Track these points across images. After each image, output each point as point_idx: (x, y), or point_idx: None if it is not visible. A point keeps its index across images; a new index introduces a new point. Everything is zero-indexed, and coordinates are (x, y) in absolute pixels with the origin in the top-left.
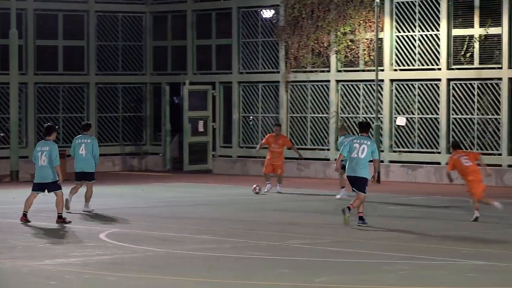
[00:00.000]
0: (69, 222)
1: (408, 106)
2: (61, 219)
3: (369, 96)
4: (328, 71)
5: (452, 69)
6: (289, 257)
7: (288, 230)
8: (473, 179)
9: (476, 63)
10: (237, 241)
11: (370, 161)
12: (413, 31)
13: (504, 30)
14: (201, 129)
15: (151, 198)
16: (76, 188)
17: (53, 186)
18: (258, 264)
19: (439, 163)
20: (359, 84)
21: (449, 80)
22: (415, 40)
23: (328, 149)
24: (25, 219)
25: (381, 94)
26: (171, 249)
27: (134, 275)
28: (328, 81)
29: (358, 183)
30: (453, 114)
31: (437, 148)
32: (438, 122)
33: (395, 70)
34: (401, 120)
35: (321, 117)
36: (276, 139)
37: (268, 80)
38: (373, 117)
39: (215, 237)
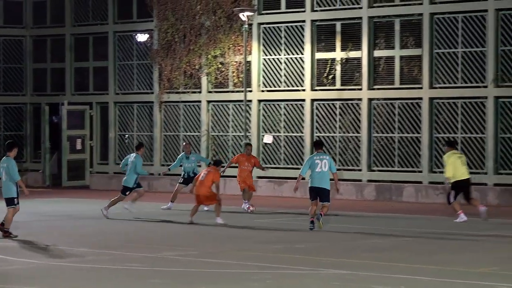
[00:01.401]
0: (15, 236)
1: (274, 125)
2: (6, 234)
3: (238, 116)
4: (200, 92)
5: (316, 90)
6: (163, 268)
7: (162, 242)
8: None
9: (338, 85)
10: (114, 253)
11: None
12: (279, 54)
13: (363, 53)
14: (79, 147)
15: (31, 213)
16: (133, 196)
17: (8, 202)
18: (134, 275)
19: (303, 179)
20: (229, 104)
21: (313, 100)
22: (281, 63)
23: (199, 166)
24: (6, 234)
25: (250, 114)
26: (51, 261)
27: (16, 287)
28: (200, 101)
29: (324, 194)
30: (316, 132)
31: (301, 164)
32: (303, 140)
33: (263, 91)
34: (268, 138)
35: (193, 135)
36: (248, 158)
37: (142, 101)
38: (242, 136)
39: (93, 249)
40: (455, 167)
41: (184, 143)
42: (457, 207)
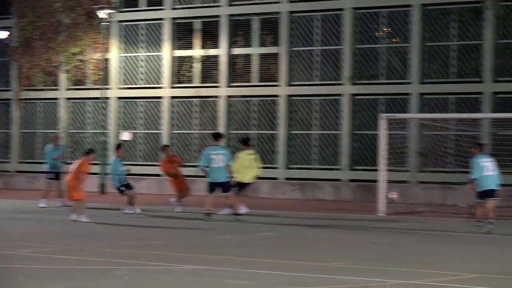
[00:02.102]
0: None
1: (132, 122)
2: None
3: (96, 113)
4: (58, 90)
5: (174, 87)
6: (17, 266)
7: (16, 239)
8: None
9: (196, 82)
10: None
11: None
12: (138, 52)
13: (222, 51)
14: None
15: None
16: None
17: None
18: None
19: (159, 175)
20: (87, 102)
21: (171, 97)
22: (140, 61)
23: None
24: None
25: (108, 111)
26: None
27: None
28: (58, 98)
29: (226, 187)
30: (174, 130)
31: (157, 161)
32: (160, 137)
33: (121, 88)
34: (126, 135)
35: (51, 132)
36: (170, 160)
37: (0, 98)
38: (100, 133)
39: None
40: (244, 166)
41: (53, 135)
42: (235, 200)
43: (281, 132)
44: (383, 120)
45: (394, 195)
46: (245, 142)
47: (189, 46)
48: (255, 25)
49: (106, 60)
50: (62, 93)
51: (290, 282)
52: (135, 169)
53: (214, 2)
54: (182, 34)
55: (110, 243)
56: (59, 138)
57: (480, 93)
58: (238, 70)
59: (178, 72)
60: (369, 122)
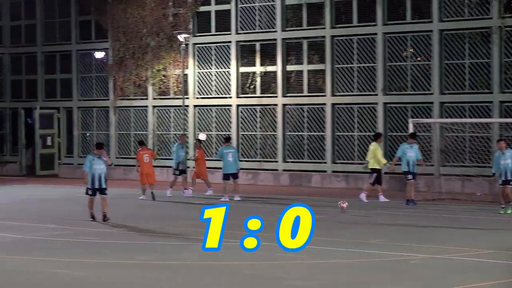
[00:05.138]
0: None
1: (207, 125)
2: None
3: (178, 118)
4: (146, 99)
5: (240, 97)
6: (109, 241)
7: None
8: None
9: (258, 93)
10: (74, 229)
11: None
12: (211, 68)
13: (278, 68)
14: (49, 143)
15: (9, 196)
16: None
17: None
18: (86, 247)
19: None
20: (170, 109)
21: (238, 105)
22: (212, 75)
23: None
24: None
25: (187, 116)
26: (25, 235)
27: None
28: (147, 106)
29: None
30: (241, 131)
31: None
32: (231, 138)
33: (197, 98)
34: (202, 136)
35: (141, 134)
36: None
37: (100, 106)
38: (181, 134)
39: (59, 225)
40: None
41: (180, 135)
42: None
43: (328, 133)
44: (411, 124)
45: (344, 204)
46: (227, 139)
47: (251, 64)
48: (305, 47)
49: (185, 75)
50: (150, 101)
51: (333, 256)
52: (210, 164)
53: (271, 28)
54: (246, 54)
55: (168, 223)
56: (184, 138)
57: (490, 102)
58: (292, 83)
59: (243, 85)
60: (400, 126)
